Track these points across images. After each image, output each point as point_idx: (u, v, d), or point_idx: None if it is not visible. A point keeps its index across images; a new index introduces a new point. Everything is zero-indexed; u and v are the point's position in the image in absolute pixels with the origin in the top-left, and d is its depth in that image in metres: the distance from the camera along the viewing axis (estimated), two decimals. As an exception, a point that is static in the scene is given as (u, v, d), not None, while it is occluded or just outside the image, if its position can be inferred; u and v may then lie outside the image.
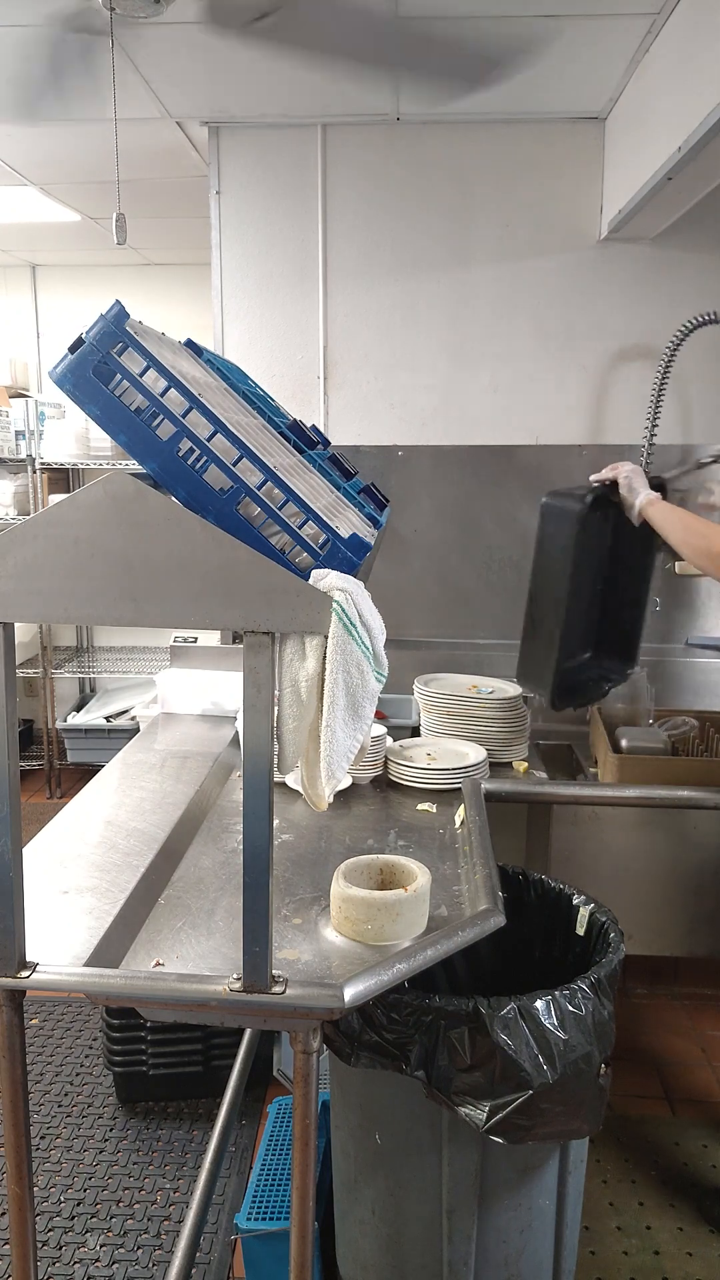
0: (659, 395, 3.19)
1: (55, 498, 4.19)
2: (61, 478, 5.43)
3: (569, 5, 2.45)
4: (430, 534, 3.53)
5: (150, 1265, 2.17)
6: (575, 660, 2.65)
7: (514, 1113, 1.57)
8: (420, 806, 2.27)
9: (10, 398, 5.00)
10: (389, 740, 2.53)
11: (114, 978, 1.45)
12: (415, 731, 2.83)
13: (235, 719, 2.78)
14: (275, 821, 1.52)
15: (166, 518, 1.23)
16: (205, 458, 1.35)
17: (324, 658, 1.28)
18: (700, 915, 2.96)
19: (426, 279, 3.39)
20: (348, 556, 1.38)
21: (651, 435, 3.22)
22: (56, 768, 5.23)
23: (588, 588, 2.56)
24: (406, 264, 3.38)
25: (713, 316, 2.98)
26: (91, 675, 5.70)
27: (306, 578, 1.30)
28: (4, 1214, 2.24)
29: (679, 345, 3.12)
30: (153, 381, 1.35)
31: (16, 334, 5.63)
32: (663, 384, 3.19)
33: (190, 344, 1.90)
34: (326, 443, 2.67)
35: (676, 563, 3.47)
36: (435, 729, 2.69)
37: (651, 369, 3.37)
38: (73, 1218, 2.30)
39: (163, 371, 1.36)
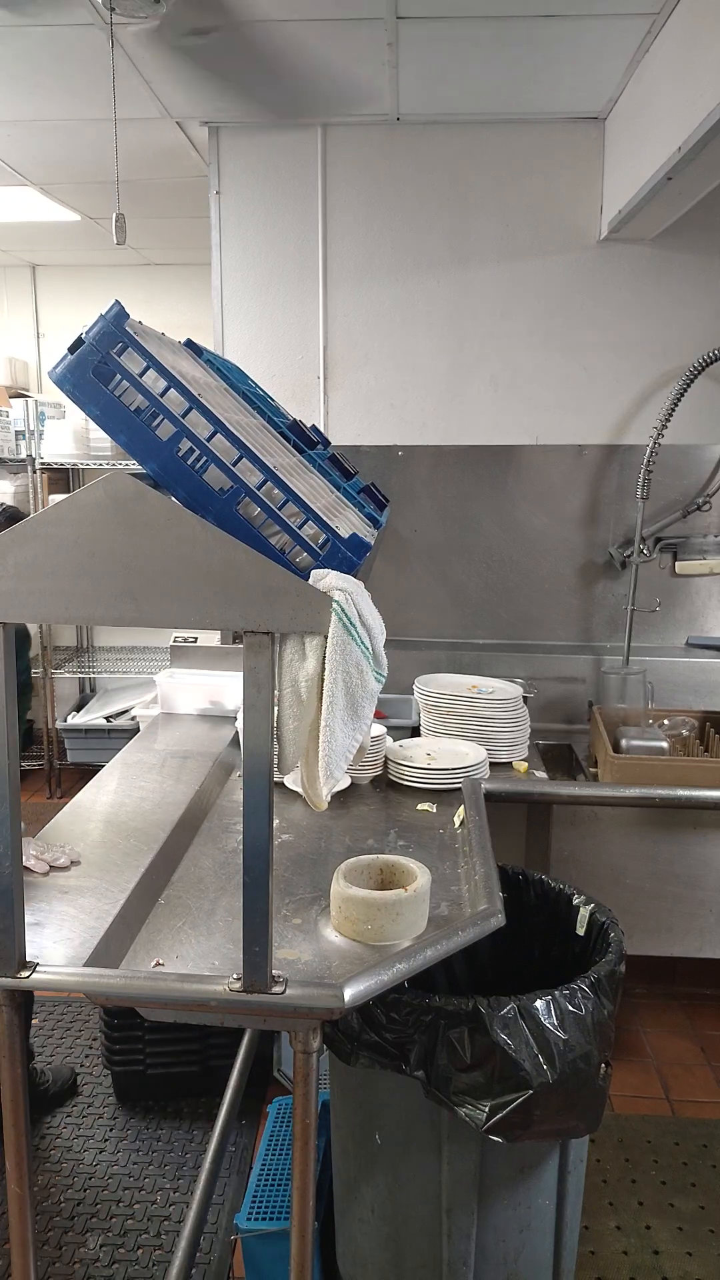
0: (675, 402, 3.19)
1: (55, 498, 4.19)
2: (61, 478, 5.43)
3: (569, 5, 2.45)
4: (430, 534, 3.53)
5: (150, 1265, 2.17)
6: None
7: (513, 1112, 1.57)
8: (420, 806, 2.27)
9: (10, 398, 4.99)
10: (389, 740, 2.53)
11: (114, 978, 1.45)
12: (415, 731, 2.83)
13: (235, 719, 2.78)
14: (275, 821, 1.52)
15: (166, 518, 1.23)
16: (205, 458, 1.35)
17: (324, 658, 1.28)
18: (700, 915, 2.97)
19: (426, 279, 3.38)
20: (347, 556, 1.38)
21: (659, 437, 3.22)
22: (56, 768, 5.23)
23: None
24: (406, 264, 3.38)
25: None
26: (91, 675, 5.69)
27: (306, 578, 1.30)
28: (4, 1214, 2.24)
29: (705, 368, 3.12)
30: (152, 382, 1.35)
31: (16, 334, 5.63)
32: (681, 393, 3.18)
33: (190, 344, 1.90)
34: (326, 443, 2.67)
35: (677, 563, 3.48)
36: (435, 729, 2.69)
37: (651, 368, 3.37)
38: (73, 1218, 2.30)
39: (162, 372, 1.36)
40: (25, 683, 2.51)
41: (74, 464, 4.97)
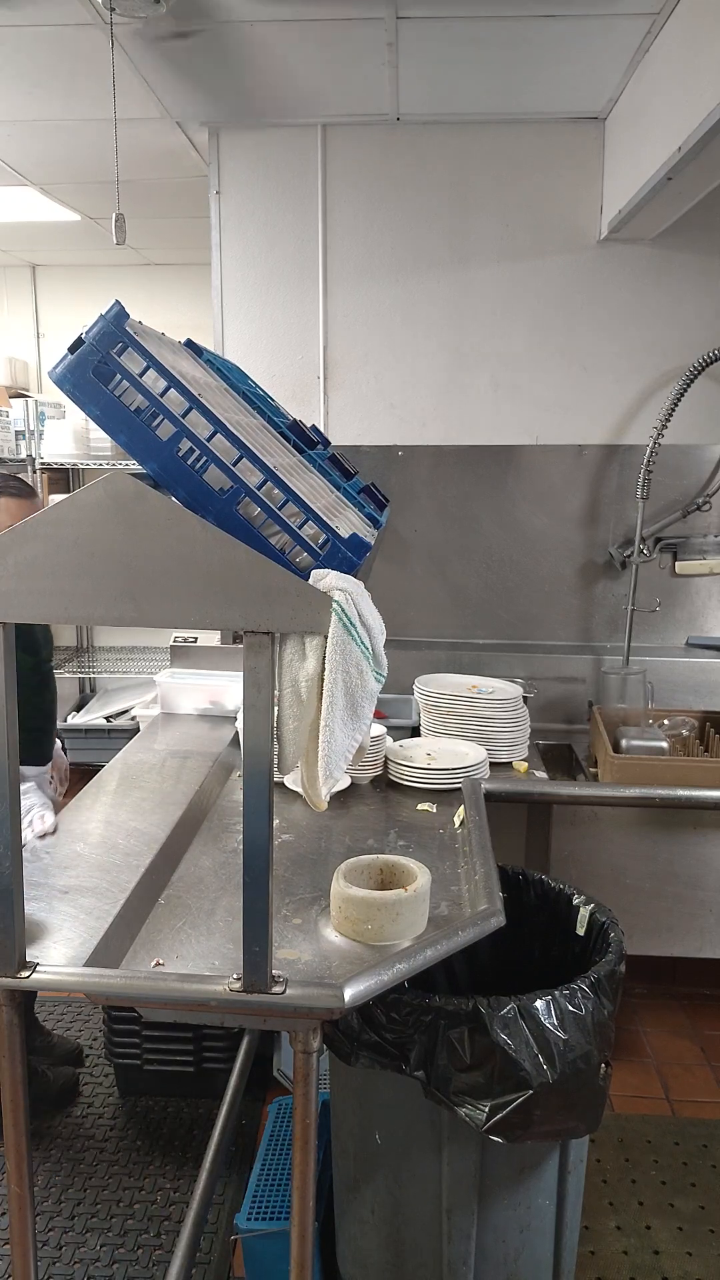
0: (675, 402, 3.19)
1: (55, 498, 4.18)
2: (61, 478, 5.43)
3: (569, 5, 2.45)
4: (430, 534, 3.53)
5: (150, 1265, 2.17)
6: None
7: (513, 1112, 1.57)
8: (420, 806, 2.27)
9: (10, 398, 4.99)
10: (389, 740, 2.53)
11: (114, 978, 1.45)
12: (415, 731, 2.83)
13: (235, 719, 2.78)
14: (275, 821, 1.52)
15: (166, 518, 1.23)
16: (205, 458, 1.35)
17: (324, 658, 1.28)
18: (700, 915, 2.97)
19: (426, 279, 3.38)
20: (347, 556, 1.38)
21: (659, 437, 3.22)
22: (57, 768, 5.22)
23: None
24: (406, 264, 3.38)
25: None
26: (91, 675, 5.69)
27: (306, 578, 1.30)
28: (4, 1214, 2.24)
29: (705, 368, 3.13)
30: (152, 382, 1.35)
31: (16, 334, 5.62)
32: (681, 393, 3.19)
33: (190, 344, 1.90)
34: (326, 443, 2.67)
35: (676, 563, 3.47)
36: (435, 729, 2.69)
37: (651, 368, 3.37)
38: (73, 1218, 2.30)
39: (162, 372, 1.36)
40: (46, 673, 2.60)
41: (74, 464, 4.97)
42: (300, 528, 1.40)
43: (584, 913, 1.99)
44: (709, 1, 2.26)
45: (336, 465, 2.22)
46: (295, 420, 2.37)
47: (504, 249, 3.35)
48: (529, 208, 3.32)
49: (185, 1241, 2.00)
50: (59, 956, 1.47)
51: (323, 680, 1.29)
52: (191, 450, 1.35)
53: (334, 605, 1.25)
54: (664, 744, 2.93)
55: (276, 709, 1.31)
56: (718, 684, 3.38)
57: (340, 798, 2.31)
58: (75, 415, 4.99)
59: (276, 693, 1.31)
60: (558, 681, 3.38)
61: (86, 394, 1.33)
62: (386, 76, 2.90)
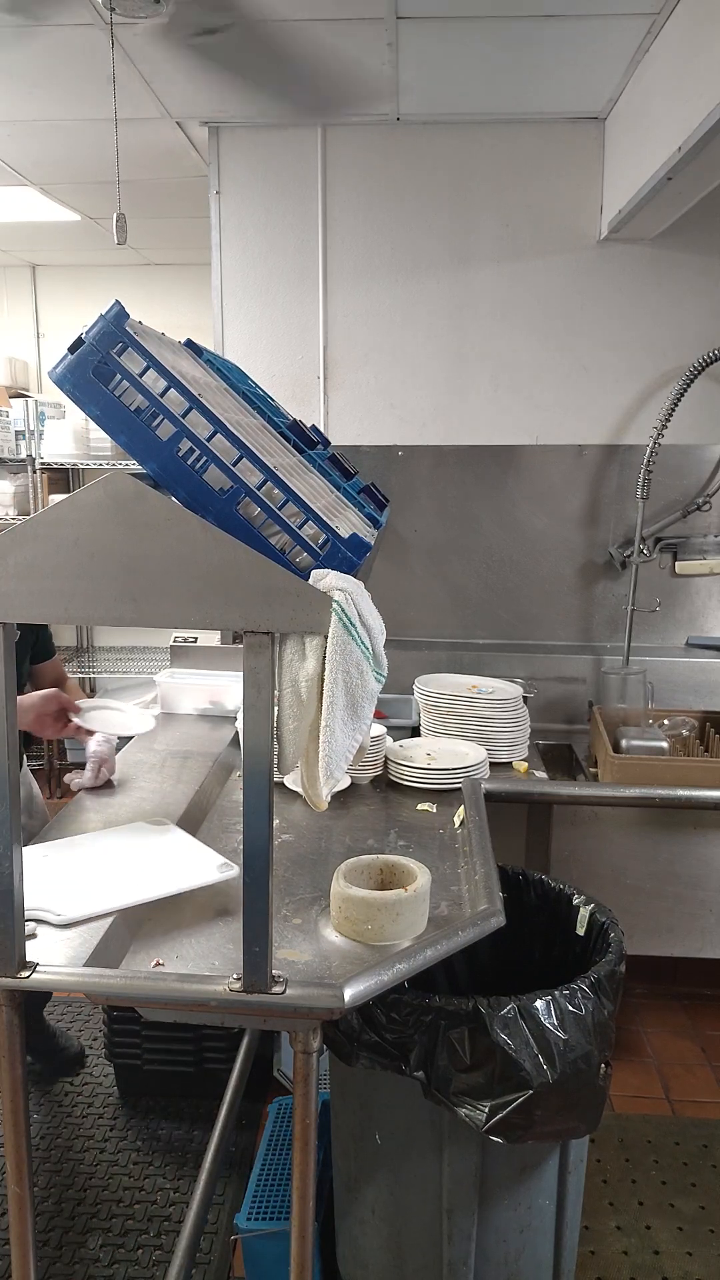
0: (675, 402, 3.19)
1: (55, 498, 4.19)
2: (61, 478, 5.43)
3: (569, 5, 2.45)
4: (430, 534, 3.53)
5: (150, 1265, 2.17)
6: None
7: (514, 1113, 1.57)
8: (420, 806, 2.27)
9: (10, 398, 4.99)
10: (389, 740, 2.52)
11: (114, 978, 1.45)
12: (415, 731, 2.83)
13: (235, 719, 2.78)
14: (275, 821, 1.52)
15: (166, 518, 1.23)
16: (205, 458, 1.35)
17: (324, 658, 1.28)
18: (700, 915, 2.97)
19: (426, 279, 3.38)
20: (347, 556, 1.38)
21: (659, 437, 3.22)
22: (57, 767, 5.23)
23: None
24: (406, 264, 3.38)
25: None
26: (91, 675, 5.69)
27: (306, 578, 1.30)
28: (4, 1214, 2.24)
29: (705, 368, 3.13)
30: (152, 382, 1.35)
31: (16, 334, 5.62)
32: (681, 393, 3.19)
33: (190, 344, 1.90)
34: (326, 443, 2.67)
35: (676, 563, 3.47)
36: (435, 729, 2.69)
37: (651, 368, 3.37)
38: (73, 1218, 2.30)
39: (162, 372, 1.36)
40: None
41: (74, 464, 4.97)
42: (300, 528, 1.40)
43: (584, 913, 1.99)
44: (709, 2, 2.26)
45: (336, 465, 2.22)
46: (295, 420, 2.37)
47: (504, 249, 3.35)
48: (529, 208, 3.32)
49: (185, 1241, 2.00)
50: (59, 956, 1.47)
51: (323, 680, 1.29)
52: (191, 450, 1.35)
53: (334, 605, 1.25)
54: (664, 744, 2.93)
55: (276, 709, 1.31)
56: (718, 684, 3.38)
57: (340, 798, 2.31)
58: (75, 415, 4.99)
59: (276, 693, 1.30)
60: (558, 681, 3.38)
61: (86, 394, 1.33)
62: (386, 77, 2.90)
